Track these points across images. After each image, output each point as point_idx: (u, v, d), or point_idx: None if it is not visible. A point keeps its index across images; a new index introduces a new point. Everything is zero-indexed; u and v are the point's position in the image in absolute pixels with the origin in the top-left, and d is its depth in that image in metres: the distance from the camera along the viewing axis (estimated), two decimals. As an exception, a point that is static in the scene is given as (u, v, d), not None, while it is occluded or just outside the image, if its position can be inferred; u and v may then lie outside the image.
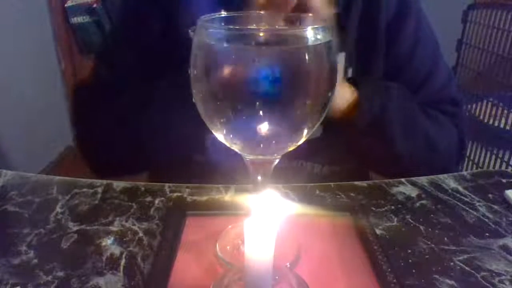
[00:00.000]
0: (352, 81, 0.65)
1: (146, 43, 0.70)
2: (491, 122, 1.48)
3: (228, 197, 0.58)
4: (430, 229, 0.52)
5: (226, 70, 0.36)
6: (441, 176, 0.63)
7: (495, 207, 0.56)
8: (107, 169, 0.69)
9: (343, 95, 0.62)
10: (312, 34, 0.36)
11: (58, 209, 0.54)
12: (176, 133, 0.64)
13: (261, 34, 0.36)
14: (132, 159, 0.69)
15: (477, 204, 0.57)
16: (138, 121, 0.66)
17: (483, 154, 1.51)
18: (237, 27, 0.40)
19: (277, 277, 0.40)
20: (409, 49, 0.71)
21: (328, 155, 0.71)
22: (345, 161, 0.73)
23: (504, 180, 0.63)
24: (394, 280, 0.42)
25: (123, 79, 0.70)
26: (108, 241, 0.48)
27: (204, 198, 0.57)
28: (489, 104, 1.49)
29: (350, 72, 0.70)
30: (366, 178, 0.76)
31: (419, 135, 0.68)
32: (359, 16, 0.70)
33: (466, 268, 0.45)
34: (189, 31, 0.68)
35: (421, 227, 0.52)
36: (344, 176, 0.64)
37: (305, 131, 0.39)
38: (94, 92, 0.72)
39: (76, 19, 2.22)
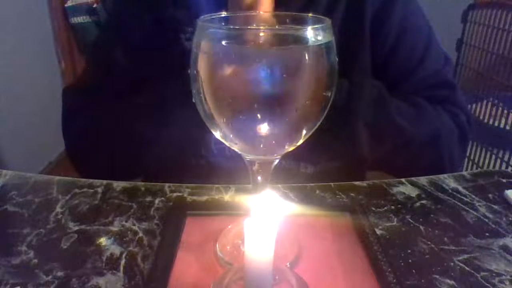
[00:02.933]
0: None
1: (137, 45, 0.70)
2: (491, 122, 1.48)
3: (228, 197, 0.58)
4: (430, 229, 0.52)
5: (226, 70, 0.36)
6: (441, 176, 0.63)
7: (495, 207, 0.56)
8: (97, 176, 0.69)
9: None
10: (312, 34, 0.36)
11: (58, 209, 0.54)
12: (172, 138, 0.64)
13: (261, 34, 0.36)
14: (124, 165, 0.68)
15: (477, 204, 0.57)
16: (131, 127, 0.66)
17: (483, 154, 1.51)
18: (237, 27, 0.40)
19: (277, 277, 0.40)
20: (397, 36, 0.70)
21: (321, 155, 0.71)
22: (338, 161, 0.73)
23: (504, 180, 0.63)
24: (394, 280, 0.42)
25: (115, 82, 0.70)
26: (108, 241, 0.48)
27: (204, 198, 0.57)
28: (489, 104, 1.49)
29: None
30: (362, 176, 0.76)
31: (392, 136, 0.67)
32: (344, 8, 0.70)
33: (466, 268, 0.45)
34: (181, 35, 0.69)
35: (421, 227, 0.52)
36: (339, 174, 0.64)
37: (305, 131, 0.39)
38: (85, 97, 0.72)
39: (76, 19, 2.23)
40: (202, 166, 0.70)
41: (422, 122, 0.68)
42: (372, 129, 0.64)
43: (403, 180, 0.62)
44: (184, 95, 0.62)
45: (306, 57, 0.36)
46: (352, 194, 0.58)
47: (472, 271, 0.45)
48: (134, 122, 0.67)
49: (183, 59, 0.68)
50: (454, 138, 0.71)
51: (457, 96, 0.74)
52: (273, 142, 0.38)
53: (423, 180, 0.62)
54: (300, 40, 0.36)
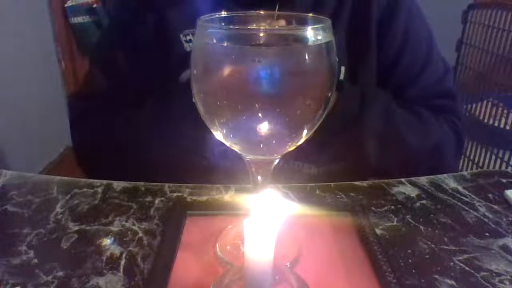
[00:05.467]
0: (338, 82, 0.64)
1: (138, 47, 0.70)
2: (491, 122, 1.48)
3: (228, 197, 0.58)
4: (430, 229, 0.52)
5: (226, 70, 0.36)
6: (441, 176, 0.63)
7: (495, 207, 0.56)
8: (102, 175, 0.69)
9: None
10: (312, 34, 0.36)
11: (58, 209, 0.54)
12: (174, 138, 0.64)
13: (261, 34, 0.36)
14: (130, 168, 0.68)
15: (477, 204, 0.57)
16: (135, 129, 0.66)
17: (483, 154, 1.51)
18: (237, 27, 0.40)
19: (277, 277, 0.40)
20: (401, 43, 0.70)
21: (324, 156, 0.71)
22: (342, 162, 0.73)
23: (504, 180, 0.63)
24: (394, 280, 0.42)
25: (118, 85, 0.70)
26: (108, 241, 0.48)
27: (204, 198, 0.57)
28: (489, 104, 1.49)
29: (342, 70, 0.70)
30: (364, 178, 0.76)
31: (397, 148, 0.67)
32: (349, 14, 0.69)
33: (466, 268, 0.45)
34: (181, 35, 0.69)
35: (421, 227, 0.52)
36: (342, 176, 0.64)
37: (305, 131, 0.39)
38: (89, 104, 0.73)
39: (76, 19, 2.22)
40: (203, 166, 0.70)
41: (426, 135, 0.69)
42: (380, 141, 0.65)
43: (403, 180, 0.62)
44: (184, 96, 0.62)
45: (306, 57, 0.36)
46: (352, 194, 0.58)
47: (472, 271, 0.45)
48: (137, 123, 0.67)
49: (182, 60, 0.69)
50: (452, 148, 0.72)
51: (457, 106, 0.74)
52: (273, 142, 0.38)
53: (423, 180, 0.62)
54: (300, 40, 0.36)
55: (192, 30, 0.68)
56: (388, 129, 0.66)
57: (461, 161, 1.63)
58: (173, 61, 0.69)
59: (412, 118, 0.68)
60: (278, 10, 0.42)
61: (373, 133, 0.64)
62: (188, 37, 0.68)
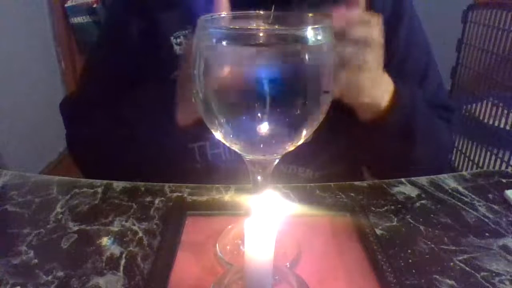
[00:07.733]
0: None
1: (131, 50, 0.70)
2: (491, 122, 1.48)
3: (228, 197, 0.58)
4: (430, 229, 0.52)
5: (226, 70, 0.36)
6: (441, 176, 0.63)
7: (495, 207, 0.56)
8: (100, 178, 0.69)
9: (382, 84, 0.59)
10: (312, 34, 0.36)
11: (58, 209, 0.54)
12: (164, 141, 0.63)
13: (261, 34, 0.36)
14: (125, 169, 0.68)
15: (477, 204, 0.57)
16: (124, 133, 0.66)
17: (483, 154, 1.51)
18: (237, 27, 0.40)
19: (277, 277, 0.40)
20: (403, 53, 0.70)
21: (319, 159, 0.71)
22: (337, 165, 0.73)
23: (504, 180, 0.63)
24: (394, 280, 0.42)
25: (109, 85, 0.70)
26: (108, 241, 0.48)
27: (204, 198, 0.57)
28: (489, 104, 1.49)
29: None
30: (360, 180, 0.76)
31: (433, 138, 0.67)
32: None
33: (466, 268, 0.45)
34: (171, 38, 0.69)
35: (421, 227, 0.52)
36: (337, 180, 0.64)
37: (305, 131, 0.39)
38: (85, 107, 0.72)
39: (76, 19, 2.22)
40: (198, 169, 0.70)
41: (440, 130, 0.70)
42: (424, 131, 0.64)
43: (403, 180, 0.62)
44: (173, 99, 0.61)
45: (306, 57, 0.36)
46: (352, 194, 0.58)
47: (472, 271, 0.45)
48: (130, 127, 0.66)
49: (172, 63, 0.69)
50: (449, 152, 0.73)
51: (454, 118, 0.74)
52: (273, 142, 0.38)
53: (423, 180, 0.62)
54: (300, 40, 0.36)
55: (183, 32, 0.68)
56: (428, 121, 0.66)
57: (461, 161, 1.63)
58: (163, 63, 0.69)
59: (433, 118, 0.69)
60: (275, 11, 0.42)
61: (420, 122, 0.63)
62: (178, 40, 0.68)
